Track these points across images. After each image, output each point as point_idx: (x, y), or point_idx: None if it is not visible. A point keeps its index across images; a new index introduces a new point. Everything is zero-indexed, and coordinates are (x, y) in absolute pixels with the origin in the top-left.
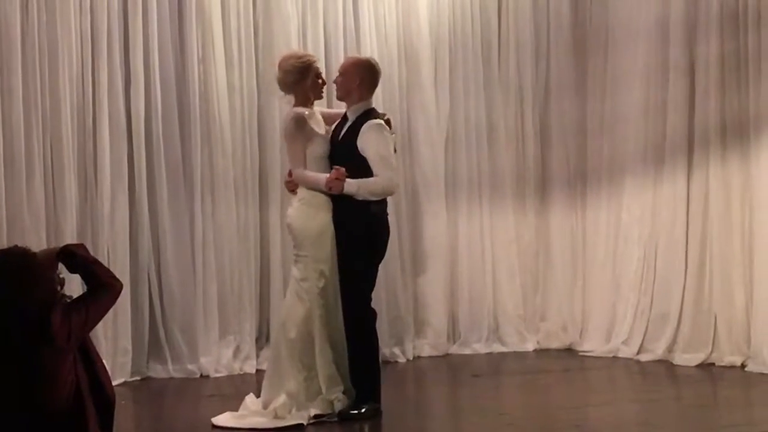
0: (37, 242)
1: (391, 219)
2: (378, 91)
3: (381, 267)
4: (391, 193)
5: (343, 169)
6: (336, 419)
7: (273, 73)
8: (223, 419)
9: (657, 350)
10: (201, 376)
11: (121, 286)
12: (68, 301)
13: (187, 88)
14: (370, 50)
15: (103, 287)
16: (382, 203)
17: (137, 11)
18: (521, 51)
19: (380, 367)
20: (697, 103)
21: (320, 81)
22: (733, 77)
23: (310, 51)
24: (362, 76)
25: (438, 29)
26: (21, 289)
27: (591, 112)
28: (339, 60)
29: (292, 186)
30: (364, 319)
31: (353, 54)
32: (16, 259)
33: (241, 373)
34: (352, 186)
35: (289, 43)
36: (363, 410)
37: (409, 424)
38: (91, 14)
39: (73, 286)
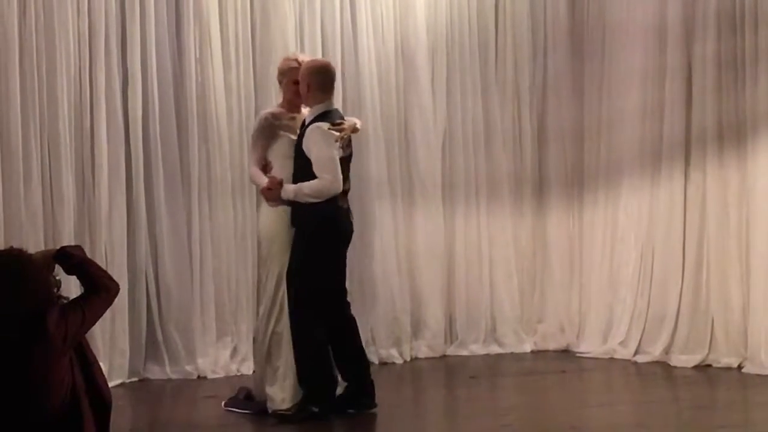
0: (35, 242)
1: (388, 220)
2: (375, 90)
3: (378, 267)
4: (330, 195)
5: (279, 179)
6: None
7: (271, 73)
8: None
9: (654, 351)
10: (198, 377)
11: (117, 287)
12: (65, 302)
13: (185, 89)
14: (367, 51)
15: (99, 289)
16: (333, 203)
17: (134, 12)
18: (518, 52)
19: (325, 369)
20: (694, 104)
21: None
22: (730, 78)
23: (307, 51)
24: (311, 80)
25: (435, 30)
26: (17, 290)
27: (588, 113)
28: (336, 60)
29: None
30: (299, 320)
31: (353, 55)
32: (12, 260)
33: (239, 374)
34: (290, 192)
35: (286, 44)
36: (292, 410)
37: (406, 425)
38: (89, 15)
39: (71, 287)
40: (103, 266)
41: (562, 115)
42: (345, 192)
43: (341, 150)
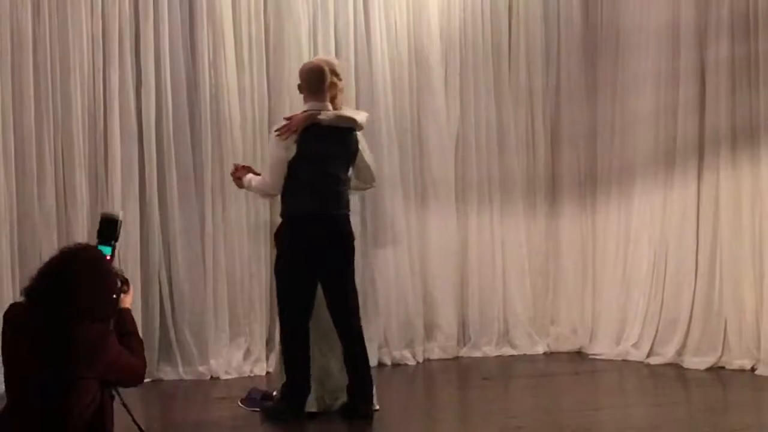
0: (48, 243)
1: (401, 221)
2: (388, 92)
3: (391, 269)
4: (267, 196)
5: (242, 166)
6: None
7: (284, 75)
8: None
9: (667, 353)
10: (211, 378)
11: (144, 369)
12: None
13: (198, 91)
14: (380, 53)
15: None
16: (298, 207)
17: (148, 14)
18: (532, 55)
19: (299, 372)
20: (708, 106)
21: None
22: (744, 81)
23: (321, 54)
24: (300, 81)
25: (449, 33)
26: (92, 276)
27: (601, 115)
28: (349, 63)
29: None
30: (279, 318)
31: (366, 58)
32: (98, 255)
33: (252, 375)
34: (246, 181)
35: (300, 47)
36: (267, 406)
37: (418, 426)
38: (103, 18)
39: None
40: (116, 265)
41: (576, 117)
42: (320, 194)
43: (291, 147)
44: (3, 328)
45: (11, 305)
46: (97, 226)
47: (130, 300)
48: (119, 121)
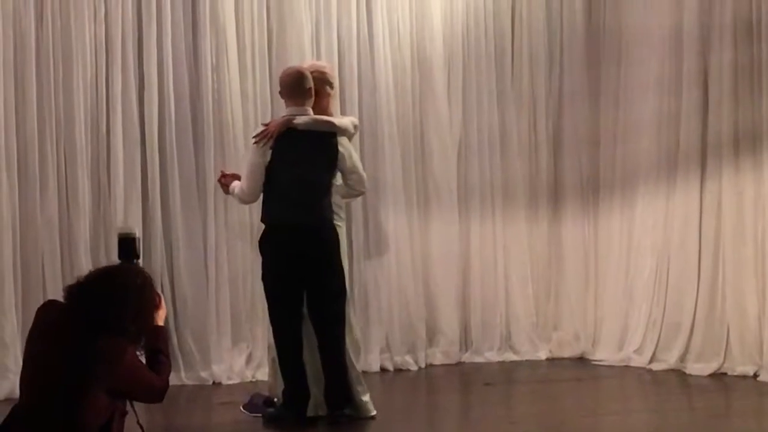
0: (51, 250)
1: (404, 227)
2: (391, 98)
3: (394, 274)
4: (243, 201)
5: (229, 173)
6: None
7: None
8: None
9: (669, 359)
10: (213, 383)
11: (166, 386)
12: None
13: (201, 96)
14: (383, 58)
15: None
16: (273, 215)
17: (151, 19)
18: (534, 60)
19: (295, 378)
20: (711, 112)
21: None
22: (747, 87)
23: (324, 60)
24: (280, 86)
25: (451, 38)
26: (128, 296)
27: (604, 121)
28: (352, 68)
29: None
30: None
31: (369, 63)
32: (146, 280)
33: (254, 380)
34: (231, 188)
35: (302, 52)
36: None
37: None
38: (106, 22)
39: None
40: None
41: (578, 122)
42: (296, 201)
43: (267, 153)
44: (33, 324)
45: (48, 301)
46: (99, 233)
47: (163, 315)
48: (122, 125)
